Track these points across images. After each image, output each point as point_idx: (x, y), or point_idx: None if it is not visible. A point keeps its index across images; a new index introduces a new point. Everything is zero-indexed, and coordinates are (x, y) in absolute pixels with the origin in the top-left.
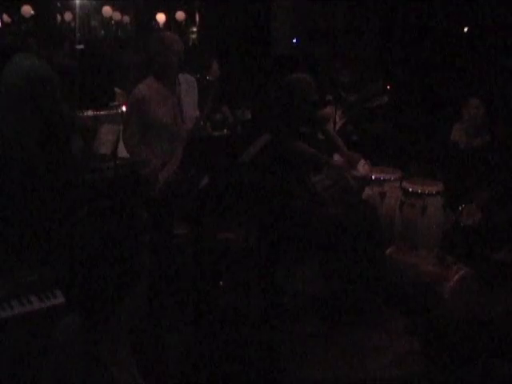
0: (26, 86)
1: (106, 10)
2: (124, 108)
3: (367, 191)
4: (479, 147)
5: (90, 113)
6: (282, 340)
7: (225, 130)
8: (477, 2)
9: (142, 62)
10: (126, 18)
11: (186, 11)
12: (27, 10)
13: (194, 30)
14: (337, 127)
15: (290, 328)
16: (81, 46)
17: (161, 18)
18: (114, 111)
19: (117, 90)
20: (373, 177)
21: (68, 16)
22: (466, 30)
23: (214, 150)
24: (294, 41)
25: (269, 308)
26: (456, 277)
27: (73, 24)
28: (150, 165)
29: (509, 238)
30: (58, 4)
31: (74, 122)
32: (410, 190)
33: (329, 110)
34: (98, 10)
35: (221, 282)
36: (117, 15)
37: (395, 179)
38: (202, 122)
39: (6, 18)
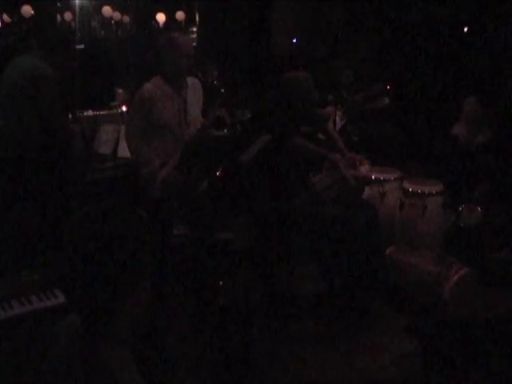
0: (27, 85)
1: (106, 9)
2: (124, 108)
3: (367, 191)
4: (480, 144)
5: (89, 113)
6: (281, 340)
7: (225, 130)
8: (477, 2)
9: (143, 62)
10: (126, 18)
11: (185, 11)
12: (27, 10)
13: (194, 29)
14: (337, 127)
15: (289, 328)
16: (81, 46)
17: (161, 17)
18: (114, 111)
19: (117, 89)
20: (373, 177)
21: (68, 16)
22: (465, 29)
23: (213, 150)
24: (294, 41)
25: (269, 308)
26: (456, 277)
27: (73, 24)
28: (151, 165)
29: (509, 237)
30: (58, 4)
31: (66, 127)
32: (410, 190)
33: (329, 109)
34: (98, 10)
35: (221, 282)
36: (117, 15)
37: (395, 179)
38: (207, 126)
39: (6, 17)
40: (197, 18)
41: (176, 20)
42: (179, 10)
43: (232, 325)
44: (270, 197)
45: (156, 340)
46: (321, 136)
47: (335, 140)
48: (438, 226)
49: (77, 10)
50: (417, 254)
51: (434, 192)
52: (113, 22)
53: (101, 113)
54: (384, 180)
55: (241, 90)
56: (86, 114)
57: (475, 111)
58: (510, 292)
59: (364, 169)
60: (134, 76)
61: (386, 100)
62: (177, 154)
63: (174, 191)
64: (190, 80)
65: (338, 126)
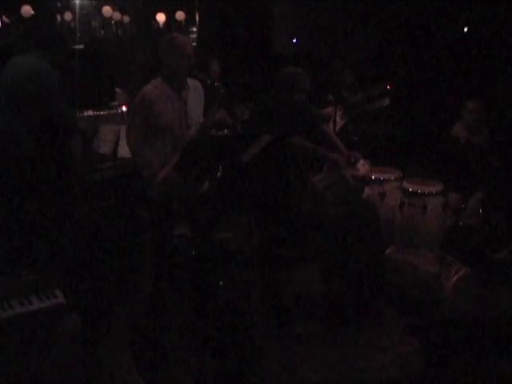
0: (27, 85)
1: (106, 9)
2: (124, 108)
3: (367, 191)
4: (479, 144)
5: (90, 113)
6: (281, 340)
7: (225, 130)
8: (477, 2)
9: (143, 62)
10: (126, 18)
11: (185, 11)
12: (27, 10)
13: (194, 29)
14: (337, 127)
15: (290, 328)
16: (81, 46)
17: (161, 17)
18: (114, 111)
19: (117, 89)
20: (373, 177)
21: (68, 16)
22: (465, 29)
23: (213, 150)
24: (294, 41)
25: (269, 308)
26: (456, 277)
27: (73, 24)
28: (151, 167)
29: (509, 237)
30: (58, 4)
31: (75, 122)
32: (410, 189)
33: (329, 109)
34: (98, 10)
35: (221, 282)
36: (117, 15)
37: (395, 179)
38: (207, 127)
39: (4, 18)
40: (197, 18)
41: (176, 20)
42: (179, 10)
43: (232, 325)
44: (270, 197)
45: (156, 340)
46: (320, 137)
47: (334, 140)
48: (438, 226)
49: (77, 10)
50: (417, 254)
51: (434, 192)
52: (113, 22)
53: (101, 113)
54: (384, 180)
55: (241, 90)
56: (86, 113)
57: (477, 114)
58: (510, 292)
59: (364, 169)
60: (134, 76)
61: (386, 100)
62: (176, 155)
63: (174, 192)
64: (192, 82)
65: (338, 126)
